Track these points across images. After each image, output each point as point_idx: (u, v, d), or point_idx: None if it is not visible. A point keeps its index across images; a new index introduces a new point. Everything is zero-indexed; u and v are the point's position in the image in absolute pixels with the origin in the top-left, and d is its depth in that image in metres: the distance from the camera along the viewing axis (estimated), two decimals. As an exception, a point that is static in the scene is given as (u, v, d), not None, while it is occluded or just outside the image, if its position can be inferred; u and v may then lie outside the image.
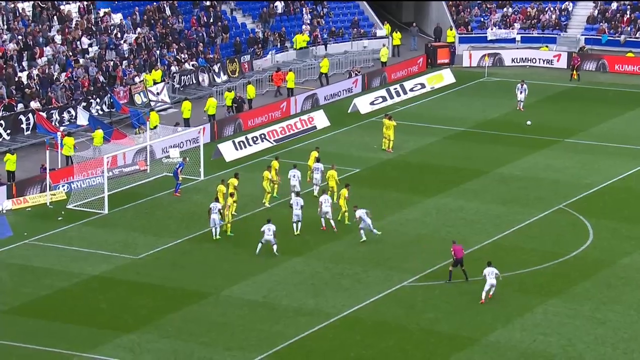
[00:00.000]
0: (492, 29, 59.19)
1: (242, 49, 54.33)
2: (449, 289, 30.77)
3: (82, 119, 44.32)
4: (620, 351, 27.29)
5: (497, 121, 46.57)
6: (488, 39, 58.96)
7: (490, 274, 30.02)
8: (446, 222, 35.72)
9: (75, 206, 37.27)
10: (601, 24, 58.77)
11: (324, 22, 58.80)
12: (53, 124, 43.78)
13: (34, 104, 43.65)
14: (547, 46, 58.13)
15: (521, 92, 47.01)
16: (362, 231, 33.38)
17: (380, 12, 61.59)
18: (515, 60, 57.12)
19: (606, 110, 48.77)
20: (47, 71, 46.15)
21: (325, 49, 56.96)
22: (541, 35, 58.78)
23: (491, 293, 29.93)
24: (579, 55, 54.31)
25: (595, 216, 36.06)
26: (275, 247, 32.78)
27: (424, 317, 29.21)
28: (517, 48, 57.97)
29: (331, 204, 34.49)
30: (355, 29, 58.69)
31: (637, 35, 57.47)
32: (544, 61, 56.88)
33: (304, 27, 57.44)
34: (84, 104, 45.44)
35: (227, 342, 27.91)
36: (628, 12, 58.48)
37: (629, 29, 57.94)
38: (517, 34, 58.86)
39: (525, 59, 57.09)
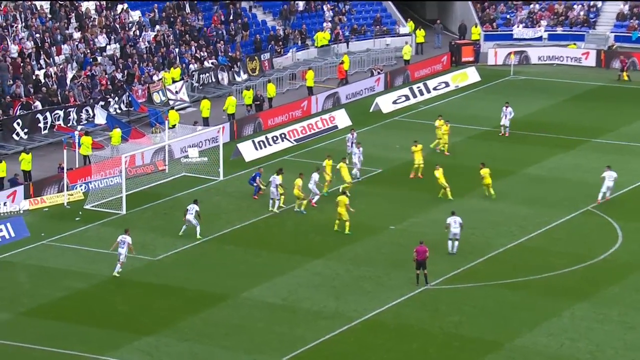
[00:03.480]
0: (518, 27, 58.94)
1: (263, 46, 54.43)
2: (474, 292, 30.68)
3: (100, 117, 44.59)
4: (651, 357, 27.13)
5: (522, 120, 46.34)
6: (514, 36, 58.72)
7: (455, 223, 30.56)
8: (470, 224, 35.59)
9: (92, 206, 37.50)
10: (631, 20, 58.35)
11: (345, 20, 58.81)
12: (70, 123, 44.14)
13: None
14: (575, 44, 57.80)
15: (506, 116, 43.93)
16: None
17: (403, 9, 61.51)
18: (542, 59, 56.87)
19: (636, 110, 48.43)
20: (64, 69, 46.49)
21: (347, 47, 56.96)
22: (569, 32, 58.46)
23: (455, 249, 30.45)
24: (623, 54, 53.41)
25: (624, 218, 35.83)
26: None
27: (447, 321, 29.15)
28: (544, 46, 57.71)
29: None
30: (378, 27, 58.65)
31: (669, 33, 57.01)
32: (571, 59, 56.58)
33: (325, 24, 57.47)
34: (102, 102, 45.71)
35: (247, 345, 27.99)
36: (659, 8, 58.06)
37: (660, 26, 57.49)
38: (544, 31, 58.58)
39: (553, 56, 56.81)
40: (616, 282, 31.28)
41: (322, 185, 37.32)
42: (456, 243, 32.87)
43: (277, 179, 36.38)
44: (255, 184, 37.74)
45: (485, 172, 37.36)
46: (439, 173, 37.06)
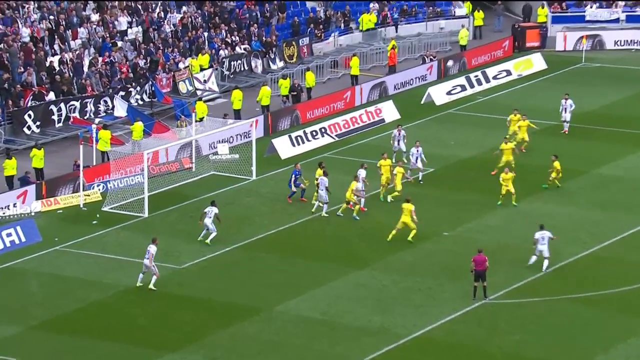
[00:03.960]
0: (591, 7, 58.33)
1: (301, 30, 54.53)
2: (538, 307, 30.42)
3: (121, 109, 44.95)
4: None
5: (596, 113, 45.83)
6: (586, 18, 58.12)
7: (542, 240, 30.52)
8: (534, 230, 35.26)
9: (111, 208, 37.82)
10: None
11: (394, 0, 58.70)
12: (87, 115, 44.54)
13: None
14: (657, 26, 57.11)
15: (566, 110, 43.28)
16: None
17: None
18: (618, 43, 56.26)
19: None
20: (81, 55, 46.97)
21: (396, 31, 56.85)
22: (650, 13, 57.77)
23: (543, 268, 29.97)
24: None
25: None
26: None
27: (508, 340, 28.91)
28: (621, 29, 57.08)
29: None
30: (431, 8, 58.43)
31: None
32: (653, 44, 55.94)
33: (371, 5, 57.40)
34: (122, 92, 46.11)
35: (281, 364, 28.05)
36: None
37: None
38: (622, 12, 57.90)
39: (631, 41, 56.16)
40: (703, 297, 30.81)
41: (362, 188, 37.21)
42: (545, 262, 32.20)
43: (325, 181, 36.29)
44: (294, 188, 37.52)
45: (557, 164, 37.84)
46: (509, 178, 36.38)
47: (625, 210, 36.73)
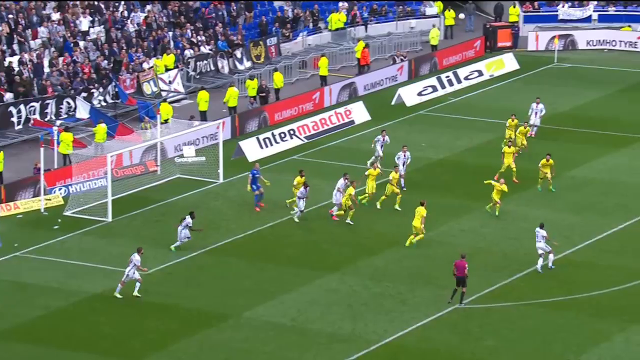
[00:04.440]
0: (563, 6, 58.91)
1: (269, 30, 54.63)
2: (511, 312, 30.73)
3: (83, 111, 44.82)
4: None
5: (568, 115, 46.30)
6: (559, 17, 58.69)
7: (537, 237, 31.14)
8: (507, 234, 35.63)
9: (73, 213, 37.71)
10: (696, -2, 58.27)
11: (364, -1, 58.96)
12: (48, 117, 44.35)
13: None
14: (629, 26, 57.74)
15: (536, 114, 43.44)
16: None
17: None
18: (590, 43, 56.85)
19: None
20: (41, 55, 46.78)
21: (365, 30, 57.11)
22: (623, 12, 58.39)
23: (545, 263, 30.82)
24: None
25: (686, 227, 35.83)
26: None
27: (481, 345, 29.18)
28: (594, 28, 57.67)
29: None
30: (401, 7, 58.74)
31: None
32: (625, 44, 56.54)
33: (340, 4, 57.60)
34: (84, 94, 45.96)
35: (250, 372, 28.14)
36: None
37: None
38: (594, 11, 58.53)
39: (603, 41, 56.78)
40: (676, 301, 31.27)
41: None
42: (539, 260, 32.71)
43: (304, 192, 36.19)
44: (257, 192, 37.50)
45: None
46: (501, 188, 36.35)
47: (597, 213, 37.18)
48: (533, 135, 43.56)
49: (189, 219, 34.34)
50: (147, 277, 33.17)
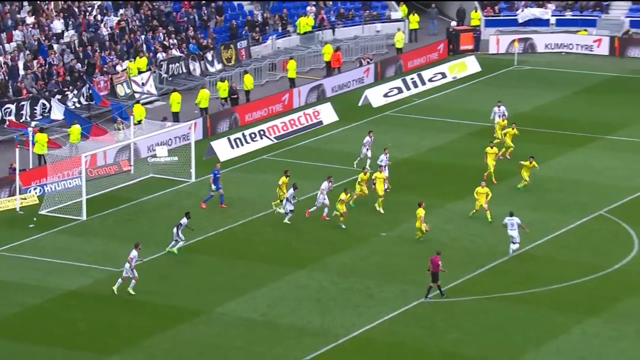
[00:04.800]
0: (522, 11, 59.22)
1: (239, 33, 54.46)
2: (474, 307, 30.82)
3: (57, 112, 44.48)
4: (669, 378, 27.32)
5: (528, 115, 46.53)
6: (519, 22, 58.99)
7: (511, 226, 31.44)
8: (470, 230, 35.72)
9: (48, 212, 37.40)
10: (648, 4, 58.76)
11: (331, 3, 58.91)
12: (23, 118, 43.95)
13: None
14: (585, 30, 58.14)
15: (499, 116, 43.40)
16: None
17: (395, -8, 61.73)
18: (549, 46, 57.19)
19: (653, 103, 48.83)
20: (16, 58, 46.33)
21: (333, 34, 57.08)
22: (579, 17, 58.80)
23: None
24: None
25: (641, 224, 36.12)
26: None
27: (445, 338, 29.24)
28: (552, 32, 58.02)
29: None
30: (367, 11, 58.78)
31: (689, 18, 57.42)
32: (582, 47, 56.92)
33: (308, 8, 57.55)
34: (58, 95, 45.60)
35: (222, 366, 28.02)
36: (679, -9, 58.48)
37: (680, 9, 57.92)
38: (552, 15, 58.89)
39: (561, 44, 57.13)
40: (632, 294, 31.48)
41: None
42: (515, 246, 33.30)
43: (292, 192, 35.54)
44: (213, 188, 37.07)
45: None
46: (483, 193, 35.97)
47: (556, 210, 37.38)
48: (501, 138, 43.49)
49: (185, 220, 33.84)
50: (121, 274, 32.93)
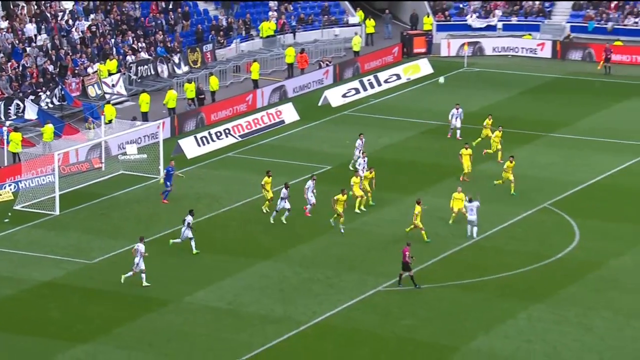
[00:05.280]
0: (471, 16, 59.53)
1: (205, 37, 54.17)
2: (427, 295, 30.94)
3: (31, 112, 43.97)
4: (608, 359, 27.60)
5: (477, 114, 46.76)
6: (468, 26, 59.26)
7: (471, 211, 32.11)
8: (424, 223, 35.87)
9: (23, 207, 36.97)
10: (587, 10, 59.33)
11: (292, 9, 58.79)
12: (-2, 118, 43.46)
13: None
14: (530, 34, 58.60)
15: (456, 118, 43.39)
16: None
17: (352, -2, 61.78)
18: (496, 50, 57.54)
19: (592, 103, 49.28)
20: (-9, 61, 45.72)
21: (294, 38, 56.97)
22: (524, 22, 59.24)
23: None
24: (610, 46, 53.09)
25: (582, 215, 36.43)
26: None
27: (400, 325, 29.33)
28: (499, 36, 58.40)
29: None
30: (326, 16, 58.74)
31: (625, 23, 58.07)
32: (527, 50, 57.33)
33: (270, 13, 57.39)
34: (32, 96, 45.06)
35: (189, 352, 27.85)
36: (615, -2, 59.15)
37: (616, 15, 58.53)
38: (499, 21, 59.27)
39: (507, 47, 57.52)
40: (573, 281, 31.78)
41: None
42: (475, 229, 33.80)
43: (285, 192, 34.81)
44: (168, 188, 36.75)
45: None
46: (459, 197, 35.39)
47: (504, 204, 37.60)
48: (459, 138, 43.23)
49: (189, 218, 33.18)
50: (93, 266, 32.68)
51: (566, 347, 28.16)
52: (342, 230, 34.62)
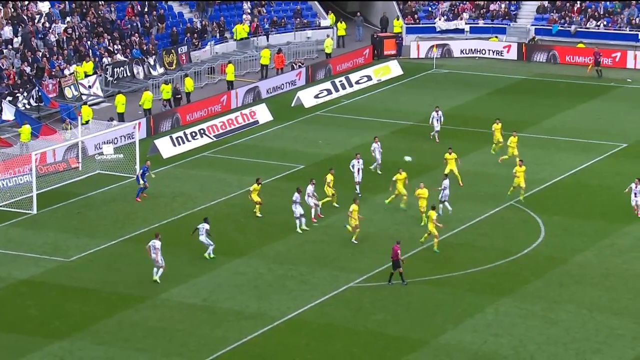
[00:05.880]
0: (439, 19, 59.77)
1: (179, 39, 53.99)
2: (398, 290, 31.06)
3: (8, 113, 43.63)
4: (573, 352, 27.86)
5: (446, 115, 46.93)
6: (436, 29, 59.54)
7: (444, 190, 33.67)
8: (394, 220, 35.99)
9: (0, 206, 36.66)
10: (551, 13, 59.80)
11: (265, 12, 58.74)
12: (-24, 118, 43.05)
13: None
14: (496, 37, 58.95)
15: (437, 121, 42.61)
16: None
17: (324, 2, 61.75)
18: (464, 52, 57.81)
19: (557, 103, 49.65)
20: (-31, 62, 45.30)
21: (267, 40, 56.92)
22: (490, 25, 59.58)
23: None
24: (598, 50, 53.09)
25: (547, 212, 36.72)
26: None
27: (372, 319, 29.42)
28: (466, 39, 58.68)
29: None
30: (298, 19, 58.75)
31: (588, 26, 58.60)
32: (493, 52, 57.66)
33: (244, 16, 57.31)
34: (9, 97, 44.70)
35: (166, 348, 27.77)
36: (578, 2, 59.59)
37: (579, 18, 59.05)
38: (466, 24, 59.57)
39: (475, 49, 57.81)
40: (539, 276, 32.03)
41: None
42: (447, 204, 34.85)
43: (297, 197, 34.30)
44: (141, 182, 36.67)
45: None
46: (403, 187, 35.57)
47: (472, 201, 37.80)
48: (437, 141, 43.15)
49: (206, 225, 32.63)
50: (70, 264, 32.48)
51: (532, 340, 28.39)
52: (355, 242, 33.45)
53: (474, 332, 28.75)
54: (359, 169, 37.92)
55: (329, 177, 36.57)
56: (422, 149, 42.41)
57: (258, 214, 35.68)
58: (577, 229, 35.44)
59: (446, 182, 35.80)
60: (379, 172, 39.26)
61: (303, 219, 34.75)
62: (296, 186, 35.80)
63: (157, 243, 30.97)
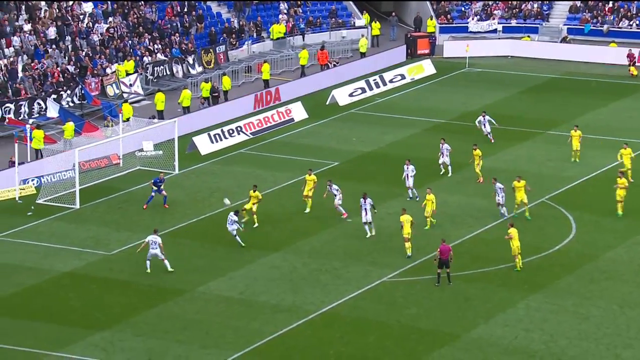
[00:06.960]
0: (472, 19, 59.31)
1: (217, 39, 54.14)
2: (430, 285, 30.85)
3: (53, 111, 44.02)
4: (604, 347, 27.50)
5: (478, 113, 46.56)
6: (469, 29, 59.08)
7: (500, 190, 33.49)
8: (421, 219, 35.74)
9: (45, 201, 37.00)
10: (584, 13, 59.09)
11: (301, 12, 58.69)
12: (22, 116, 43.52)
13: None
14: (529, 36, 58.37)
15: (484, 125, 42.17)
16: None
17: (359, 2, 61.58)
18: (496, 51, 57.28)
19: (589, 102, 49.08)
20: (15, 61, 45.78)
21: (303, 40, 56.87)
22: (523, 25, 59.02)
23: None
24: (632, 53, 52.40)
25: (578, 209, 36.28)
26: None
27: (404, 313, 29.26)
28: (499, 38, 58.16)
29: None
30: (334, 19, 58.63)
31: (620, 25, 57.82)
32: (525, 51, 57.08)
33: (280, 16, 57.30)
34: (54, 95, 45.11)
35: (203, 339, 27.82)
36: (611, 2, 58.83)
37: (611, 18, 58.29)
38: (498, 23, 59.05)
39: (507, 49, 57.24)
40: (570, 272, 31.67)
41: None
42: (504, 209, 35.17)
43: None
44: (161, 193, 35.72)
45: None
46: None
47: (505, 198, 37.38)
48: (492, 141, 42.54)
49: (234, 216, 32.63)
50: (111, 257, 32.68)
51: (563, 335, 28.05)
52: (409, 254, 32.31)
53: (505, 326, 28.48)
54: (407, 175, 36.89)
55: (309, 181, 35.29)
56: (453, 147, 42.05)
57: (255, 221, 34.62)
58: (608, 226, 34.98)
59: (499, 185, 34.52)
60: (449, 175, 38.58)
61: (371, 226, 33.73)
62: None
63: (158, 239, 30.94)
